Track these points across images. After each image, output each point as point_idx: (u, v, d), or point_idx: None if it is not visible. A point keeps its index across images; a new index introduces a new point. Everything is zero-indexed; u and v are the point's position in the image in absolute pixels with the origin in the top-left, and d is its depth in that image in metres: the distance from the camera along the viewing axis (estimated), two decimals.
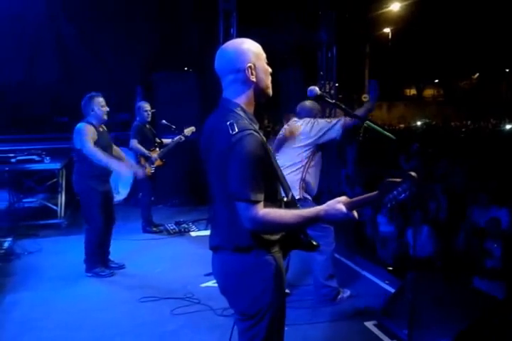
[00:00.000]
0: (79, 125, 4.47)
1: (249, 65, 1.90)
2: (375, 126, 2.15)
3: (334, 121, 3.72)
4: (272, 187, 1.95)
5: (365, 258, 5.08)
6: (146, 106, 6.10)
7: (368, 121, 2.19)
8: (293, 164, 3.79)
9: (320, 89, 7.30)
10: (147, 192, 6.32)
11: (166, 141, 6.31)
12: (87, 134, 4.39)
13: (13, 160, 6.39)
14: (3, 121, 6.91)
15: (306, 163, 3.80)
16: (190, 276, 4.56)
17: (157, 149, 6.18)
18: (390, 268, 5.01)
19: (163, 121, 6.33)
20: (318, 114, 4.01)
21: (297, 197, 3.67)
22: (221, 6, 7.06)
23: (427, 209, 6.47)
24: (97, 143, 4.43)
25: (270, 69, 2.01)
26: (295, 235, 2.04)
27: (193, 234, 6.19)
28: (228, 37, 7.35)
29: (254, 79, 1.93)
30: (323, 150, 3.93)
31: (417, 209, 4.83)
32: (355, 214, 1.85)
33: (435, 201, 6.51)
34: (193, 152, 7.72)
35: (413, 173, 1.74)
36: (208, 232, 6.40)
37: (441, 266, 4.99)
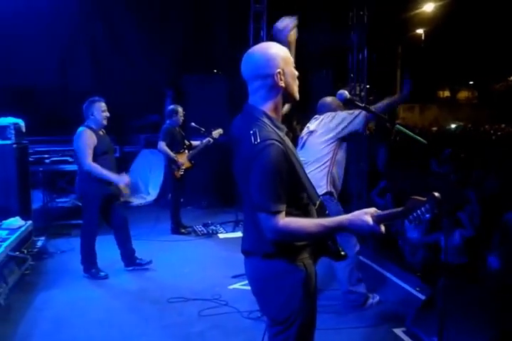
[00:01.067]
0: (79, 129, 4.53)
1: (278, 70, 1.88)
2: (406, 130, 2.11)
3: (356, 112, 3.61)
4: (297, 195, 1.93)
5: (395, 263, 5.00)
6: (181, 112, 6.18)
7: (398, 125, 2.15)
8: (316, 160, 3.72)
9: (350, 92, 7.17)
10: (176, 193, 6.39)
11: (195, 143, 6.37)
12: (86, 146, 4.44)
13: (47, 161, 6.58)
14: (39, 123, 7.08)
15: (332, 156, 3.72)
16: (217, 278, 4.58)
17: (186, 151, 6.24)
18: (418, 274, 4.90)
19: (192, 123, 6.39)
20: (339, 109, 3.92)
21: (324, 191, 3.63)
22: (252, 8, 7.09)
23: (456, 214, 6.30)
24: (97, 149, 4.48)
25: (297, 73, 1.98)
26: (323, 242, 2.02)
27: (220, 236, 6.22)
28: (258, 39, 7.39)
29: (282, 85, 1.90)
30: (348, 141, 3.84)
31: (448, 214, 4.70)
32: (383, 228, 1.79)
33: (469, 207, 6.33)
34: (222, 154, 7.78)
35: (437, 194, 1.72)
36: (235, 234, 6.49)
37: (474, 274, 4.84)
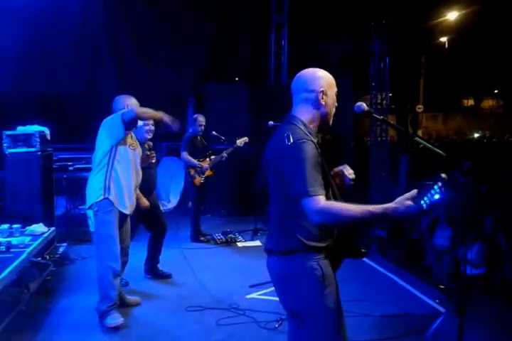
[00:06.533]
0: None
1: (322, 89, 2.11)
2: (424, 142, 2.10)
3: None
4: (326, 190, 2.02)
5: (416, 275, 4.93)
6: (201, 121, 6.20)
7: (416, 138, 2.15)
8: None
9: (371, 100, 7.12)
10: (196, 201, 6.43)
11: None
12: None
13: (71, 168, 6.70)
14: (63, 131, 7.23)
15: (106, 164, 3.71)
16: (235, 287, 4.59)
17: (207, 159, 6.28)
18: (442, 287, 4.82)
19: (213, 132, 6.44)
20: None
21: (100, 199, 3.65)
22: (274, 19, 7.16)
23: (482, 225, 6.17)
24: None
25: (336, 104, 2.19)
26: (347, 240, 2.10)
27: (239, 244, 6.23)
28: (279, 49, 7.44)
29: (323, 102, 2.12)
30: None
31: (468, 223, 4.62)
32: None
33: (493, 219, 6.18)
34: (243, 163, 7.82)
35: (443, 175, 1.81)
36: (254, 243, 6.50)
37: (496, 287, 4.73)
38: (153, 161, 4.48)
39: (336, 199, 2.07)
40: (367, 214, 1.86)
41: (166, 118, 3.73)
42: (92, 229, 3.76)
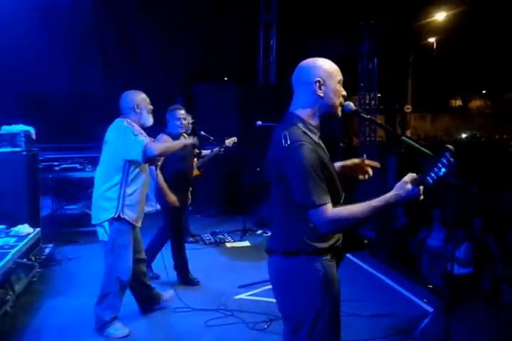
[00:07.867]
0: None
1: (317, 79, 1.99)
2: (411, 142, 2.09)
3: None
4: (333, 189, 1.98)
5: (404, 275, 4.95)
6: (188, 120, 6.15)
7: (403, 137, 2.14)
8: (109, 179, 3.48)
9: (360, 100, 7.12)
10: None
11: (205, 152, 6.37)
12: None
13: (56, 168, 6.61)
14: (49, 130, 7.15)
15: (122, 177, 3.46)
16: (224, 287, 4.56)
17: (195, 159, 6.24)
18: (430, 286, 4.85)
19: (202, 132, 6.39)
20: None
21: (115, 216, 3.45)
22: (262, 19, 7.14)
23: (471, 225, 6.21)
24: (173, 154, 4.12)
25: (344, 93, 2.05)
26: (349, 234, 2.06)
27: (228, 244, 6.20)
28: (268, 48, 7.42)
29: (321, 94, 1.99)
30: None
31: (458, 224, 4.64)
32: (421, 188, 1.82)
33: (482, 220, 6.22)
34: (232, 163, 7.79)
35: (450, 146, 1.73)
36: (242, 243, 6.46)
37: (484, 288, 4.76)
38: (159, 163, 4.36)
39: (339, 201, 2.01)
40: (372, 210, 1.84)
41: (187, 143, 3.77)
42: (104, 238, 3.50)
